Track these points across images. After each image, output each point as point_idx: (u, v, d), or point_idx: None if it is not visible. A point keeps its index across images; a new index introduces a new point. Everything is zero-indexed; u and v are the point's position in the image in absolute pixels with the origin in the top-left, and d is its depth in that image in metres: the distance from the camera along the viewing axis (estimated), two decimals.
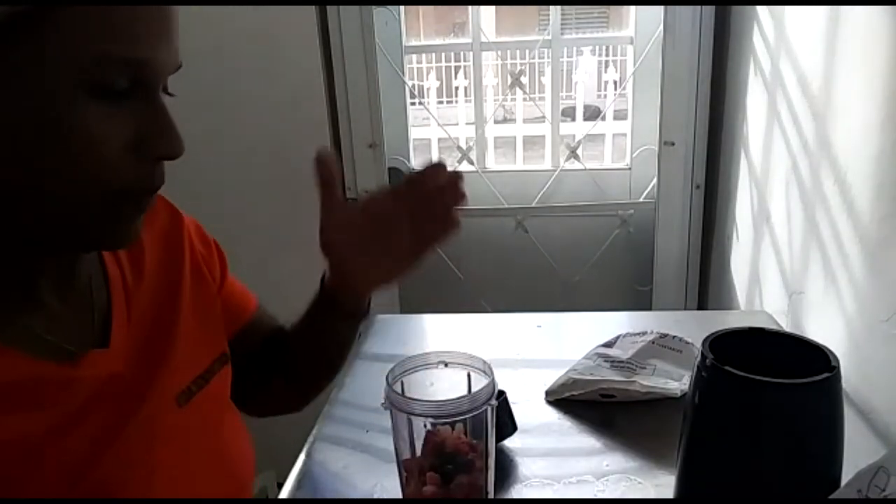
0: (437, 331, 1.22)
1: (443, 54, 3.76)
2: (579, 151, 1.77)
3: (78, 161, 0.46)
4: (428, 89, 2.63)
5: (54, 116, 0.44)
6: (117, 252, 0.61)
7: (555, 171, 1.81)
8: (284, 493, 0.76)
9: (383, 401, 0.64)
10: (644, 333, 0.97)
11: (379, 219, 0.68)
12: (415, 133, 1.95)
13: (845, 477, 0.56)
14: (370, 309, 0.78)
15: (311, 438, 0.86)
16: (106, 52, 0.44)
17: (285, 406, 0.83)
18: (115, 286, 0.58)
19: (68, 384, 0.51)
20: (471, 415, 0.62)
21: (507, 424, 0.79)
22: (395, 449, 0.66)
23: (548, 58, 1.80)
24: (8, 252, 0.49)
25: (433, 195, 0.66)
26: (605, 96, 3.70)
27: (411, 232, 0.68)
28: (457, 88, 2.38)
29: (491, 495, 0.67)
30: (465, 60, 2.01)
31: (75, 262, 0.56)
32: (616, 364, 0.91)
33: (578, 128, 2.45)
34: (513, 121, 2.69)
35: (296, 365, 0.80)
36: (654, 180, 1.67)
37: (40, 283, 0.52)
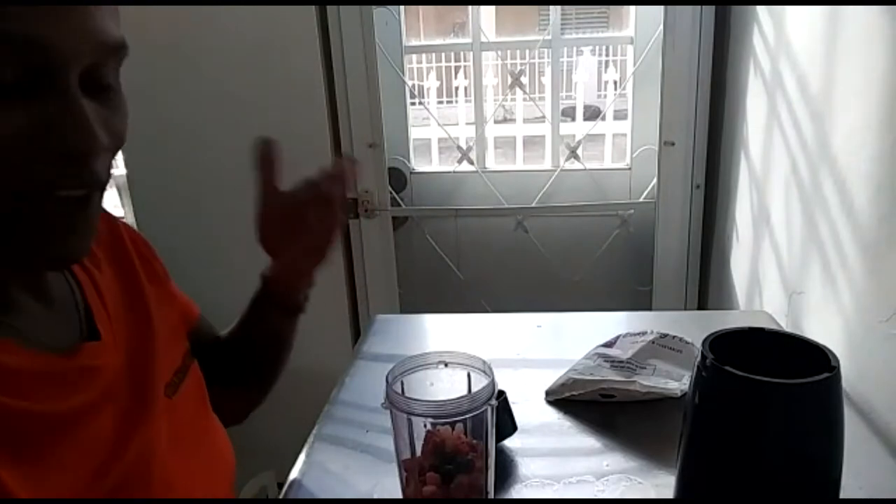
0: (437, 331, 1.22)
1: (443, 54, 3.76)
2: (579, 151, 1.77)
3: None
4: (428, 89, 2.63)
5: None
6: None
7: (555, 171, 1.81)
8: (284, 494, 0.76)
9: (383, 401, 0.64)
10: (644, 333, 0.97)
11: (296, 208, 0.73)
12: (415, 133, 1.94)
13: (845, 477, 0.56)
14: (306, 303, 0.80)
15: (311, 438, 0.86)
16: None
17: (223, 418, 0.75)
18: (85, 284, 0.58)
19: (75, 373, 0.51)
20: (471, 415, 0.62)
21: (507, 424, 0.79)
22: (395, 449, 0.66)
23: (548, 58, 1.80)
24: None
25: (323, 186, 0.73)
26: (605, 96, 3.70)
27: (318, 218, 0.73)
28: (457, 88, 2.38)
29: (491, 495, 0.67)
30: (465, 60, 2.01)
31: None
32: (616, 364, 0.91)
33: (578, 128, 2.45)
34: (513, 121, 2.69)
35: (235, 369, 0.80)
36: (654, 180, 1.67)
37: (17, 287, 0.51)
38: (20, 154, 0.41)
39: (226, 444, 0.68)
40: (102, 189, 0.47)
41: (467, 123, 2.00)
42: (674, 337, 0.95)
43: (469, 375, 0.68)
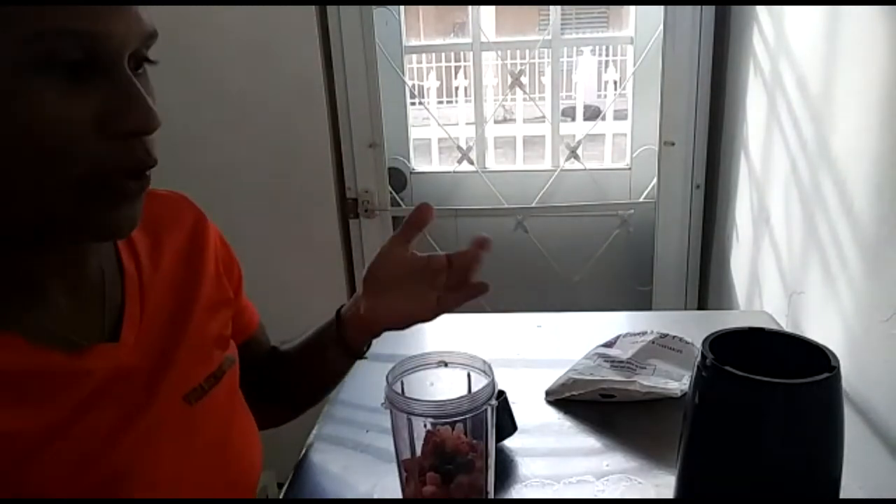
0: (437, 331, 1.22)
1: (443, 54, 3.76)
2: (579, 151, 1.77)
3: (37, 145, 0.43)
4: (428, 89, 2.63)
5: (4, 100, 0.42)
6: (135, 247, 0.61)
7: (555, 171, 1.81)
8: (284, 493, 0.76)
9: (383, 401, 0.64)
10: (644, 333, 0.97)
11: (423, 269, 0.73)
12: (415, 133, 1.94)
13: (845, 477, 0.56)
14: (368, 350, 0.82)
15: (311, 438, 0.86)
16: (50, 25, 0.42)
17: (261, 422, 0.78)
18: (129, 281, 0.59)
19: (74, 375, 0.51)
20: (471, 415, 0.62)
21: (507, 424, 0.79)
22: (395, 449, 0.66)
23: (548, 58, 1.80)
24: (5, 249, 0.49)
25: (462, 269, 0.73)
26: (605, 96, 3.70)
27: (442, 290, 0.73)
28: (457, 88, 2.38)
29: (491, 495, 0.67)
30: (465, 60, 2.01)
31: (83, 258, 0.55)
32: (616, 364, 0.91)
33: (578, 128, 2.45)
34: (513, 121, 2.69)
35: (285, 385, 0.82)
36: (654, 180, 1.67)
37: (45, 280, 0.52)
38: (83, 134, 0.45)
39: (254, 454, 0.68)
40: (154, 165, 0.50)
41: (467, 123, 2.00)
42: (674, 337, 0.95)
43: (469, 375, 0.68)
